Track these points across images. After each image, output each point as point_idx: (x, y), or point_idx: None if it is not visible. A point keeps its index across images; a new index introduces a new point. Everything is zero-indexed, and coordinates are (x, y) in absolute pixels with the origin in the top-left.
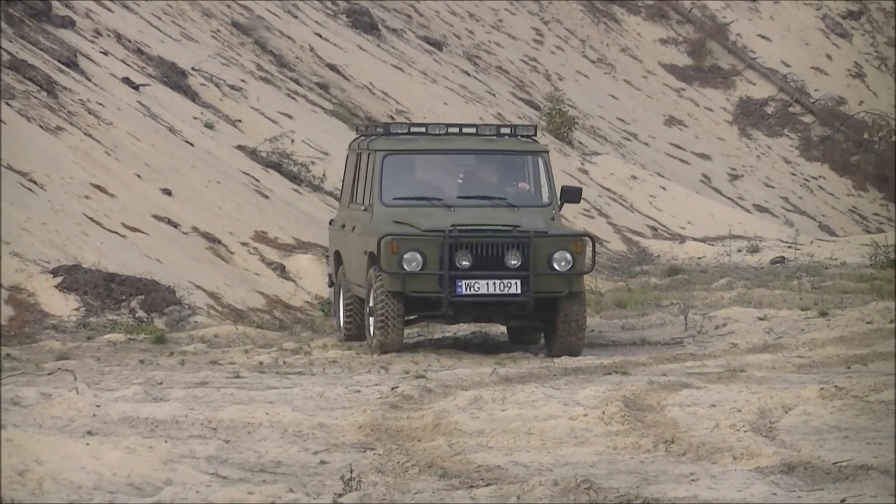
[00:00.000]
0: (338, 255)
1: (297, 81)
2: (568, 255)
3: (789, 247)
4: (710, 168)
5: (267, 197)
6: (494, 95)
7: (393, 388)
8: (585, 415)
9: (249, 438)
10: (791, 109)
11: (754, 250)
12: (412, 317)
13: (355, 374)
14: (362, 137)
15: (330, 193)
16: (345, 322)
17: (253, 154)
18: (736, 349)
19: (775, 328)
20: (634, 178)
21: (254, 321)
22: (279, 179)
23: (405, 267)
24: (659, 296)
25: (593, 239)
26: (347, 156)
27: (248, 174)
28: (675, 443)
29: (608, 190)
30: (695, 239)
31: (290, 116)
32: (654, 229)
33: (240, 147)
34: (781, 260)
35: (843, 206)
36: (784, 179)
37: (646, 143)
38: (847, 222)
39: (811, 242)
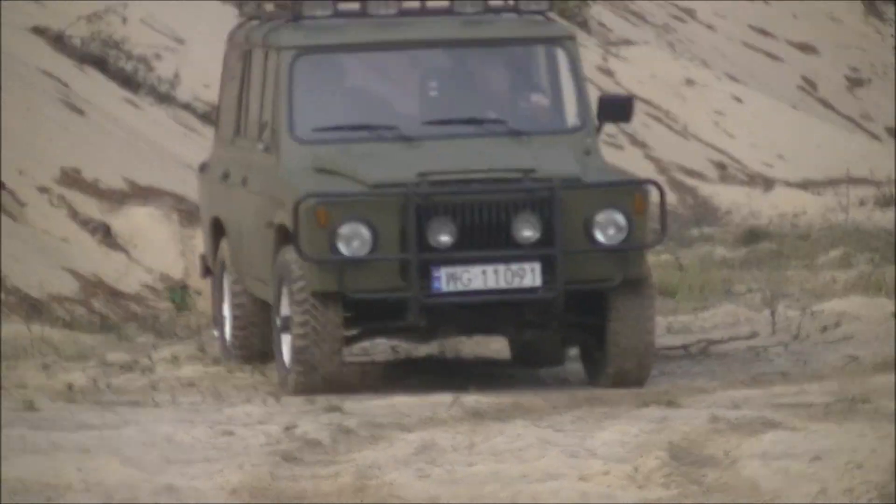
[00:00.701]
0: (217, 224)
1: None
2: (620, 218)
3: None
4: (817, 67)
5: (82, 112)
6: None
7: (288, 429)
8: (606, 472)
9: None
10: None
11: (888, 203)
12: (354, 331)
13: (226, 404)
14: (254, 23)
15: (186, 106)
16: (234, 337)
17: (59, 41)
18: (856, 365)
19: None
20: (691, 82)
21: (59, 318)
22: (103, 83)
23: (343, 250)
24: (730, 277)
25: (662, 189)
26: (226, 55)
27: (51, 75)
28: None
29: (647, 103)
30: (788, 184)
31: None
32: (723, 167)
33: (37, 30)
34: None
35: None
36: None
37: (709, 26)
38: None
39: None
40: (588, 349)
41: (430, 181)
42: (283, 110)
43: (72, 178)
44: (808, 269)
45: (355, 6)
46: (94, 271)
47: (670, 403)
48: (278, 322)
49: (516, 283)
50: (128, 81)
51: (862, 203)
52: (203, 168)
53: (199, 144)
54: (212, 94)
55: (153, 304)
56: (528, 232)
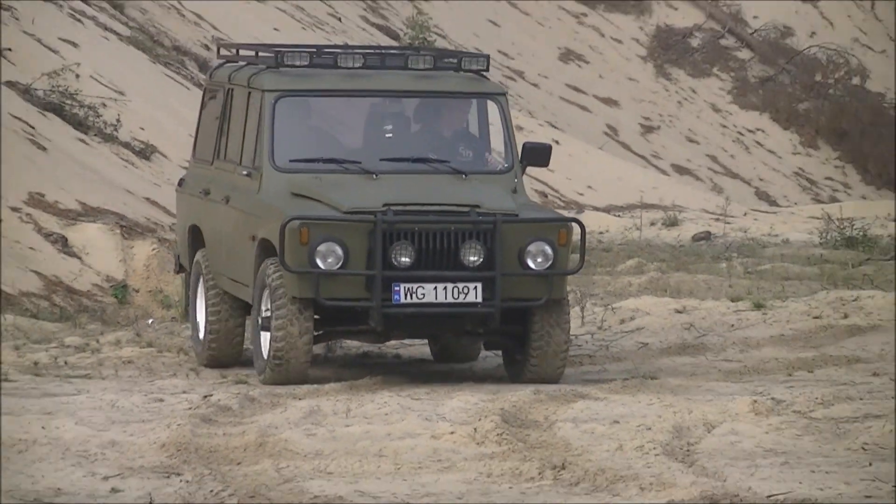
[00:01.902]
0: (195, 232)
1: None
2: (548, 248)
3: (717, 219)
4: (618, 117)
5: (44, 149)
6: (340, 20)
7: (206, 397)
8: (453, 432)
9: (21, 459)
10: (723, 42)
11: (672, 223)
12: (320, 332)
13: (157, 377)
14: (237, 67)
15: (126, 145)
16: (209, 334)
17: (26, 93)
18: (647, 350)
19: (697, 323)
20: (519, 128)
21: (26, 309)
22: (60, 126)
23: (320, 264)
24: None
25: (583, 225)
26: (206, 90)
27: (20, 119)
28: (567, 469)
29: None
30: (596, 208)
31: (74, 44)
32: (544, 196)
33: (9, 84)
34: (707, 236)
35: (786, 168)
36: (712, 133)
37: (535, 84)
38: (791, 188)
39: (745, 214)
40: (510, 352)
41: (395, 210)
42: (265, 143)
43: (36, 200)
44: (609, 275)
45: (328, 59)
46: (55, 273)
47: (502, 379)
48: (259, 321)
49: (461, 299)
50: (80, 124)
51: (652, 223)
52: (181, 183)
53: (136, 174)
54: (146, 135)
55: (100, 299)
56: (473, 257)
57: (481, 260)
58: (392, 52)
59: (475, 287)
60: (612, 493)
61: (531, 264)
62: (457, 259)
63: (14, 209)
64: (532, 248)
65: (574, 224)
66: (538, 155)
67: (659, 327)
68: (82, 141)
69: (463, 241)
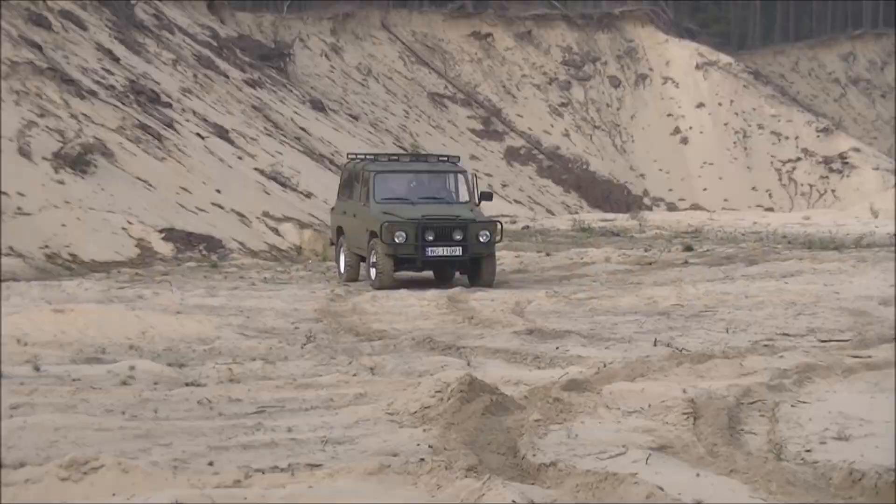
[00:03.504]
0: (340, 228)
1: (284, 135)
2: (488, 233)
3: (531, 220)
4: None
5: (269, 194)
6: (383, 143)
7: (332, 291)
8: (428, 304)
9: (260, 316)
10: (533, 152)
11: (513, 222)
12: (395, 268)
13: (314, 284)
14: (357, 161)
15: (301, 192)
16: (345, 269)
17: (262, 173)
18: (503, 272)
19: (524, 261)
20: None
21: (262, 258)
22: (275, 185)
23: (396, 240)
24: None
25: (502, 224)
26: (342, 171)
27: (260, 183)
28: (473, 319)
29: None
30: (493, 215)
31: (281, 153)
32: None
33: (257, 169)
34: (527, 227)
35: (558, 201)
36: (530, 188)
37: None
38: (561, 209)
39: (544, 219)
40: (472, 275)
41: (427, 218)
42: (371, 191)
43: (266, 214)
44: None
45: (395, 157)
46: (273, 243)
47: (450, 285)
48: (370, 263)
49: (454, 254)
50: (283, 184)
51: (512, 223)
52: (332, 209)
53: (306, 203)
54: (309, 187)
55: (290, 253)
56: (458, 236)
57: (462, 237)
58: (420, 155)
59: (459, 249)
60: (490, 328)
61: (482, 239)
62: (452, 237)
63: (258, 217)
64: (482, 232)
65: (499, 222)
66: (487, 196)
67: (508, 263)
68: (283, 190)
69: (453, 230)
